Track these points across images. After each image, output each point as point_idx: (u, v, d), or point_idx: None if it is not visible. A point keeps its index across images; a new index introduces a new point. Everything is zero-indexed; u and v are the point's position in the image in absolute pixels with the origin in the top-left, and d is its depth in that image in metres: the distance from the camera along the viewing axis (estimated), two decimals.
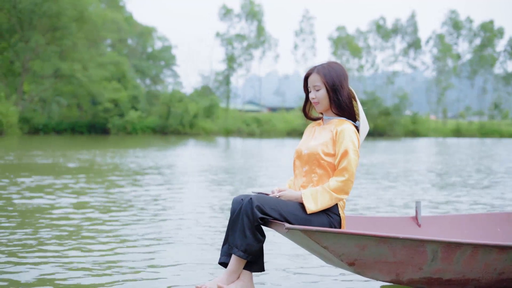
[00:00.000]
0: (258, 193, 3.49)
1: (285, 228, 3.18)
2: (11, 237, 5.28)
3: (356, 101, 3.62)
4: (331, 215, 3.47)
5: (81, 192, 8.71)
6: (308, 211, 3.40)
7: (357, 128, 3.61)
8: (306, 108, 3.79)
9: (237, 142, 34.92)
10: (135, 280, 3.97)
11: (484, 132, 60.99)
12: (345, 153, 3.44)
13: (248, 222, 3.34)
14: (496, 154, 23.92)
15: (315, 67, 3.64)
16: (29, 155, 17.37)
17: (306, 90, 3.70)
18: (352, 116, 3.63)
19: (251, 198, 3.36)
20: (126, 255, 4.70)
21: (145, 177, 11.43)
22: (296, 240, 3.44)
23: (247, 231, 3.35)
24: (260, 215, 3.33)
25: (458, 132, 61.20)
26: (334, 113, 3.63)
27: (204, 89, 58.28)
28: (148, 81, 57.90)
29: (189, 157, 19.11)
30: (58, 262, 4.40)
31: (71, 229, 5.73)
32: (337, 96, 3.57)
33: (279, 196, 3.46)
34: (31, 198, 7.91)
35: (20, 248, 4.84)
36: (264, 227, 3.70)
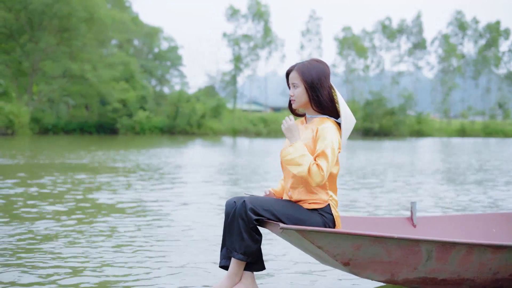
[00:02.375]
0: (251, 195, 3.51)
1: (280, 228, 3.20)
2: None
3: (336, 96, 3.56)
4: (324, 214, 3.47)
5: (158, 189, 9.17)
6: (287, 148, 3.48)
7: (340, 125, 3.57)
8: (293, 106, 3.72)
9: (246, 142, 34.96)
10: (137, 281, 4.02)
11: (488, 132, 61.03)
12: (322, 153, 3.38)
13: (244, 225, 3.35)
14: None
15: (296, 64, 3.62)
16: (60, 155, 17.68)
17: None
18: (334, 113, 3.58)
19: (244, 201, 3.36)
20: (130, 253, 4.75)
21: (196, 175, 12.19)
22: (290, 240, 3.45)
23: (243, 233, 3.37)
24: (255, 217, 3.34)
25: (462, 132, 61.23)
26: (315, 110, 3.59)
27: (207, 89, 58.31)
28: (153, 82, 57.94)
29: (211, 156, 19.63)
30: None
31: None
32: (316, 94, 3.53)
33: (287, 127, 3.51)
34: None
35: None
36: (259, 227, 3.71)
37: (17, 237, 5.30)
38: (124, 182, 10.40)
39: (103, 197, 8.24)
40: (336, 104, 3.57)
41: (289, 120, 3.52)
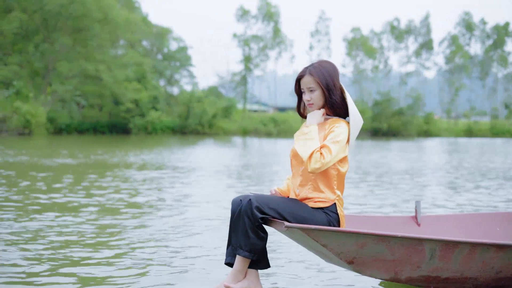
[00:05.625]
0: (256, 193, 3.55)
1: (285, 227, 3.23)
2: None
3: (346, 96, 3.61)
4: (329, 213, 3.50)
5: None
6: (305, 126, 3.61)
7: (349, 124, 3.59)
8: (301, 108, 3.80)
9: (258, 142, 35.01)
10: (143, 276, 4.08)
11: (495, 132, 61.04)
12: (327, 145, 3.42)
13: (250, 223, 3.39)
14: None
15: (307, 68, 3.63)
16: (99, 154, 18.14)
17: (299, 92, 3.71)
18: (345, 113, 3.62)
19: (250, 199, 3.40)
20: (136, 252, 4.82)
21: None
22: (295, 238, 3.48)
23: (249, 231, 3.40)
24: (260, 216, 3.38)
25: (469, 132, 61.25)
26: (328, 112, 3.64)
27: (211, 89, 58.34)
28: (162, 82, 57.95)
29: (235, 155, 20.09)
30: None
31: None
32: (331, 96, 3.57)
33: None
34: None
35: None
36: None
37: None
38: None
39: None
40: (347, 104, 3.61)
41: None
